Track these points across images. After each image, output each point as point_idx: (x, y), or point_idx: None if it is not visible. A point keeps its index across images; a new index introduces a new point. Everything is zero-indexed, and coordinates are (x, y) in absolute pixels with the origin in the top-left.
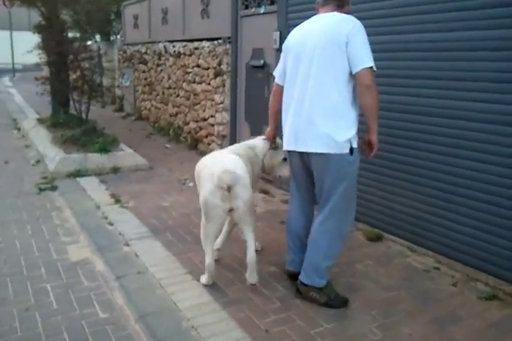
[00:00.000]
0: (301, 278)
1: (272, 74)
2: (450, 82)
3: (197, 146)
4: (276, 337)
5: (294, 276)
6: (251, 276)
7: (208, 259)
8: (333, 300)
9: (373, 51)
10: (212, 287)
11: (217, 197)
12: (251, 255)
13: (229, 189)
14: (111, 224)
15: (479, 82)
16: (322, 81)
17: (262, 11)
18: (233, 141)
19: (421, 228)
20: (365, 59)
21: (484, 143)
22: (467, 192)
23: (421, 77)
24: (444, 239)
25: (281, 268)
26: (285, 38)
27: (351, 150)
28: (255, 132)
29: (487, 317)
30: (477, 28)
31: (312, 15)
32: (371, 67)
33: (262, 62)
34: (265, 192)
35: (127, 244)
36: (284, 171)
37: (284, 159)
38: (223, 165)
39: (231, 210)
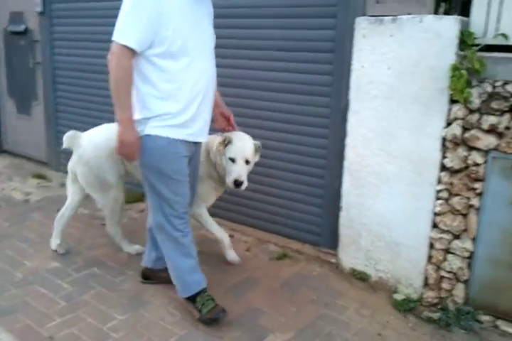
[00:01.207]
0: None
1: (37, 40)
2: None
3: None
4: None
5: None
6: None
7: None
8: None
9: None
10: None
11: None
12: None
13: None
14: None
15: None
16: None
17: None
18: None
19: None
20: (116, 31)
21: (281, 113)
22: None
23: None
24: (235, 207)
25: (64, 262)
26: None
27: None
28: (22, 109)
29: (280, 277)
30: None
31: None
32: (122, 45)
33: (23, 27)
34: (40, 176)
35: None
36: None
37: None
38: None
39: None
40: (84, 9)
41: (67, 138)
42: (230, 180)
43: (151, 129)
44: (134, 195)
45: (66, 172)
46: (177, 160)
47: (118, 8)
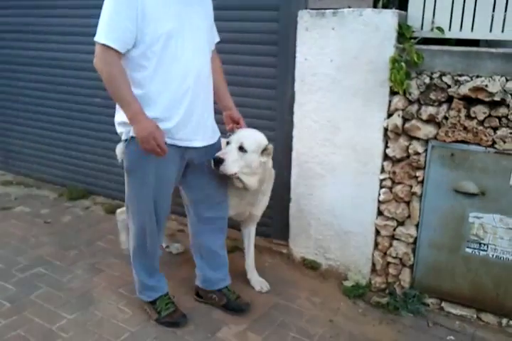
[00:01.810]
0: None
1: None
2: None
3: None
4: None
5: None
6: None
7: None
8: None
9: None
10: None
11: None
12: None
13: None
14: None
15: None
16: None
17: None
18: None
19: None
20: (97, 32)
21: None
22: None
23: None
24: None
25: (7, 263)
26: None
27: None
28: None
29: (232, 269)
30: None
31: None
32: (104, 45)
33: None
34: None
35: None
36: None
37: None
38: None
39: None
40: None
41: (120, 149)
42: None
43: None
44: (78, 192)
45: (4, 169)
46: (161, 166)
47: None
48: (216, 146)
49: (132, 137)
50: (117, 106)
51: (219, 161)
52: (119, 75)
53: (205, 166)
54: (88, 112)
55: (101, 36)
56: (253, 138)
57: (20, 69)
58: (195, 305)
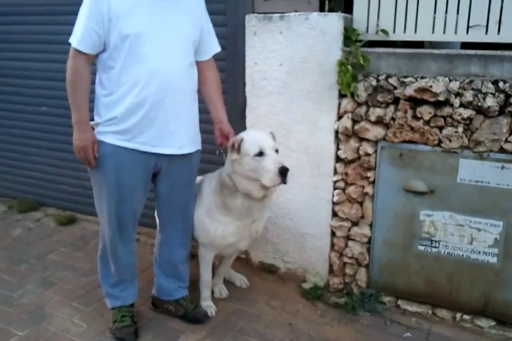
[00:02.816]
0: None
1: None
2: None
3: None
4: None
5: None
6: None
7: None
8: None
9: None
10: None
11: None
12: None
13: None
14: None
15: None
16: None
17: None
18: None
19: None
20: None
21: None
22: None
23: None
24: None
25: None
26: None
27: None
28: None
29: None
30: None
31: None
32: (75, 48)
33: None
34: None
35: None
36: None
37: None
38: None
39: None
40: None
41: None
42: (271, 174)
43: (99, 135)
44: (28, 203)
45: None
46: (122, 171)
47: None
48: (193, 158)
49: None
50: (94, 110)
51: (287, 170)
52: (81, 82)
53: (173, 175)
54: (37, 122)
55: (73, 39)
56: (268, 134)
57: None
58: (153, 314)
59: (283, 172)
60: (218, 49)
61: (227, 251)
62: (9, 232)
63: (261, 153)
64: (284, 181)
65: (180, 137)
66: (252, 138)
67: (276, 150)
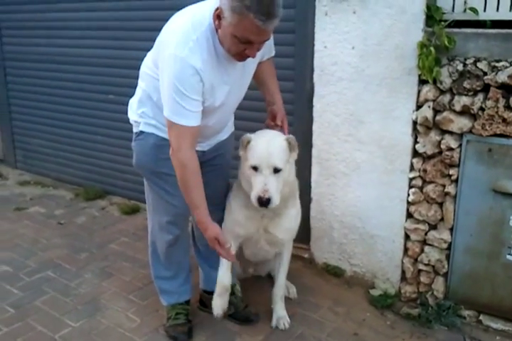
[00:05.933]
0: None
1: None
2: None
3: None
4: None
5: None
6: None
7: None
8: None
9: None
10: None
11: None
12: None
13: None
14: None
15: None
16: None
17: None
18: None
19: None
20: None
21: None
22: None
23: None
24: None
25: (15, 266)
26: None
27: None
28: None
29: None
30: None
31: None
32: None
33: None
34: None
35: None
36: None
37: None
38: None
39: None
40: None
41: None
42: (253, 196)
43: (142, 126)
44: (94, 191)
45: (23, 169)
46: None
47: None
48: (228, 140)
49: (141, 131)
50: (137, 93)
51: (267, 201)
52: (191, 177)
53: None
54: (103, 110)
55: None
56: (278, 148)
57: (33, 66)
58: (206, 314)
59: (261, 202)
60: (273, 54)
61: (249, 250)
62: (73, 220)
63: (255, 168)
64: (263, 207)
65: (223, 133)
66: (258, 145)
67: (276, 170)
